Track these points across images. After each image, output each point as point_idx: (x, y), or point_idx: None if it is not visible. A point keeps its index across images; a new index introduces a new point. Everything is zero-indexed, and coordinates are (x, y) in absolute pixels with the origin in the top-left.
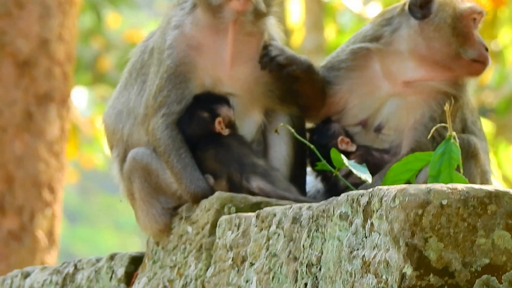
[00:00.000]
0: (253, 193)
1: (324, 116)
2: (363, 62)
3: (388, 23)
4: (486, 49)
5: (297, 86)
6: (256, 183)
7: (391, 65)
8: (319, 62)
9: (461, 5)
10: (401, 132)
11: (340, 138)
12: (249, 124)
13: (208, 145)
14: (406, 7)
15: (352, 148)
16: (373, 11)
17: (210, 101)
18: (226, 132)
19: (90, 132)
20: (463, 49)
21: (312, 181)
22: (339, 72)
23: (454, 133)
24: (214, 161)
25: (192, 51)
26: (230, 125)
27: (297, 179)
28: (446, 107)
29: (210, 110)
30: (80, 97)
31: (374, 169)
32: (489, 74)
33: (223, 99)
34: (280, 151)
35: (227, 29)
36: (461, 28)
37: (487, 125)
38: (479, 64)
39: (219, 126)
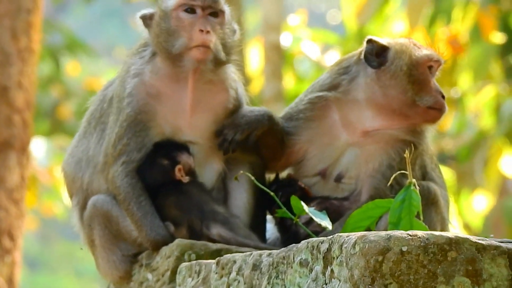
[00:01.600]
0: (213, 240)
1: (283, 166)
2: (321, 112)
3: (346, 72)
4: (443, 96)
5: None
6: (216, 230)
7: (349, 114)
8: (278, 110)
9: (417, 53)
10: (361, 181)
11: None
12: (209, 172)
13: (168, 193)
14: (362, 56)
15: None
16: (332, 59)
17: (170, 149)
18: (186, 179)
19: (48, 181)
20: (418, 96)
21: (272, 228)
22: (298, 122)
23: (414, 180)
24: (175, 208)
25: (152, 99)
26: (190, 172)
27: (257, 226)
28: (406, 154)
29: (170, 157)
30: (39, 146)
31: (334, 217)
32: (449, 121)
33: (182, 147)
34: (241, 198)
35: (187, 78)
36: (417, 76)
37: (447, 173)
38: (435, 111)
39: (179, 174)
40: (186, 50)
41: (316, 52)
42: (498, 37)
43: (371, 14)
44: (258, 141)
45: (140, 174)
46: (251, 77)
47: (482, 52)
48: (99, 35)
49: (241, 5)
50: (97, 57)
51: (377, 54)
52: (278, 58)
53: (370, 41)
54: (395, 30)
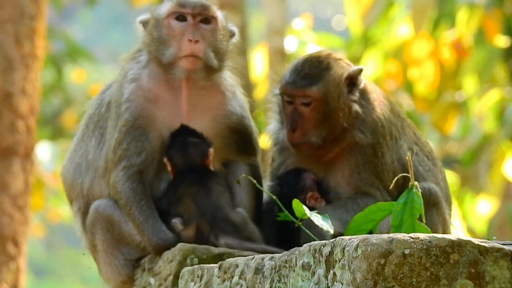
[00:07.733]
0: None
1: None
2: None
3: None
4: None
5: None
6: (224, 240)
7: None
8: None
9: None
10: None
11: (309, 194)
12: None
13: (192, 182)
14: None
15: (322, 203)
16: None
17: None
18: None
19: (54, 186)
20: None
21: None
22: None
23: (416, 183)
24: (192, 201)
25: (150, 104)
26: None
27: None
28: (408, 157)
29: (202, 137)
30: (44, 151)
31: None
32: (454, 125)
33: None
34: (241, 200)
35: (181, 85)
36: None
37: (452, 176)
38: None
39: (211, 158)
40: (176, 59)
41: None
42: (502, 41)
43: (376, 18)
44: None
45: (170, 157)
46: (255, 83)
47: (486, 56)
48: (104, 42)
49: (244, 11)
50: (100, 64)
51: None
52: (283, 62)
53: None
54: (399, 34)
